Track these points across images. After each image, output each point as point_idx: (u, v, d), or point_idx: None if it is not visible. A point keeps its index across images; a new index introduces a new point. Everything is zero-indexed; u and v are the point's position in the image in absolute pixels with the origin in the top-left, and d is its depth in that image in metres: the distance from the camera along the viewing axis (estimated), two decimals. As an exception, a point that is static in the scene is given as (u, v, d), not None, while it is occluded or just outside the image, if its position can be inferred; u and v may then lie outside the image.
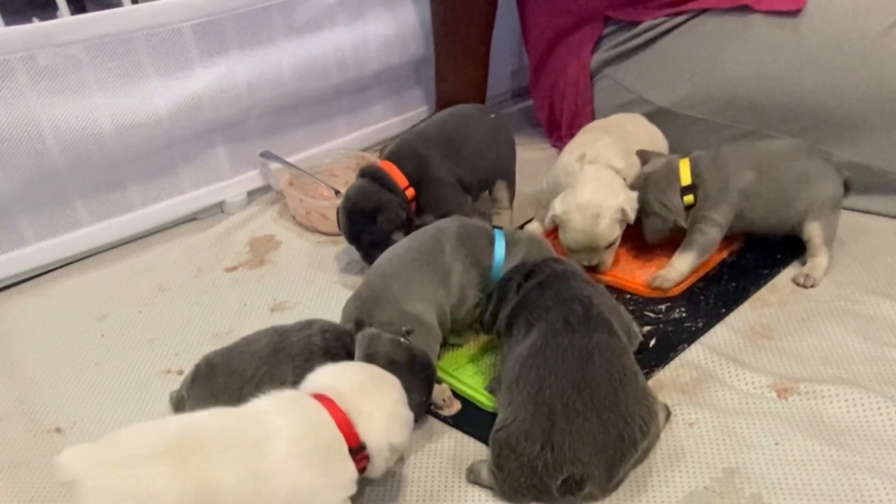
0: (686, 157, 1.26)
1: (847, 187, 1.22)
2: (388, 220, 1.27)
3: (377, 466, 0.84)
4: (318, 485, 0.79)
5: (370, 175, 1.30)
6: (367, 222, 1.27)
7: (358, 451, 0.82)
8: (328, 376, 0.86)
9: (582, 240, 1.21)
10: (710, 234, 1.22)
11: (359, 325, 1.04)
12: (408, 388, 0.89)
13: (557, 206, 1.21)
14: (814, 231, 1.21)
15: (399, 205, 1.28)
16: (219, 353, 0.98)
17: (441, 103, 1.77)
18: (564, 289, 0.97)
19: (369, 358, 0.93)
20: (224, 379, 0.94)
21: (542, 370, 0.88)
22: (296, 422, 0.79)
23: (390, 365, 0.92)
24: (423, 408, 0.97)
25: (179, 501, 0.73)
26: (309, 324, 0.99)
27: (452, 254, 1.10)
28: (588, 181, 1.21)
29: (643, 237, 1.28)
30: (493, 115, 1.42)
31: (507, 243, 1.13)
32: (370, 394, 0.84)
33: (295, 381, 0.91)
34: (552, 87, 1.69)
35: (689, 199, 1.23)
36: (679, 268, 1.22)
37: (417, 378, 0.94)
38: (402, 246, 1.13)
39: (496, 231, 1.15)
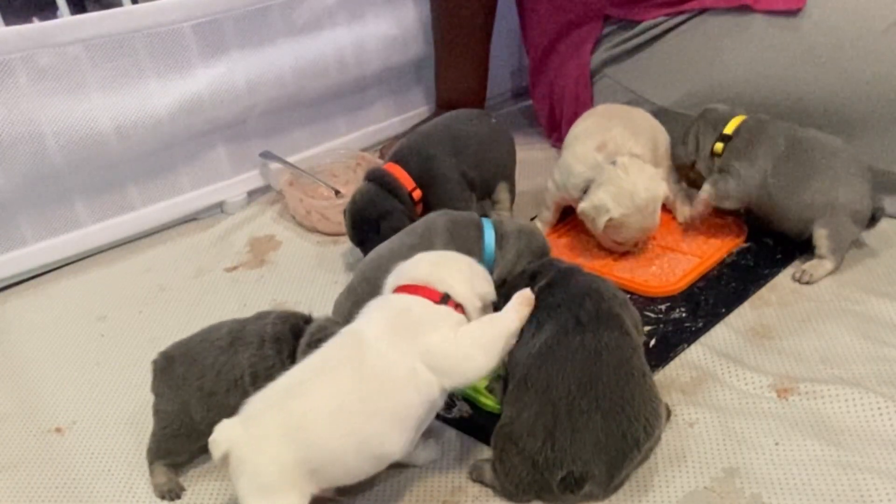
0: (744, 114, 1.28)
1: (873, 218, 1.21)
2: (391, 227, 1.26)
3: (471, 312, 0.89)
4: (437, 335, 0.84)
5: (376, 179, 1.30)
6: (371, 230, 1.27)
7: (444, 301, 0.87)
8: (400, 273, 0.92)
9: (639, 235, 1.26)
10: (729, 183, 1.25)
11: None
12: None
13: (613, 209, 1.20)
14: (820, 239, 1.20)
15: (403, 212, 1.28)
16: (177, 345, 0.98)
17: (441, 104, 1.77)
18: (573, 285, 0.97)
19: (314, 344, 0.95)
20: (184, 369, 0.94)
21: (551, 369, 0.88)
22: (374, 317, 0.86)
23: None
24: None
25: (318, 420, 0.78)
26: (266, 314, 1.00)
27: (444, 245, 1.11)
28: (636, 177, 1.22)
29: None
30: (494, 120, 1.42)
31: (497, 234, 1.13)
32: (443, 265, 0.91)
33: (251, 368, 0.93)
34: (552, 87, 1.69)
35: (719, 146, 1.26)
36: (696, 206, 1.31)
37: None
38: (395, 241, 1.14)
39: (484, 221, 1.15)
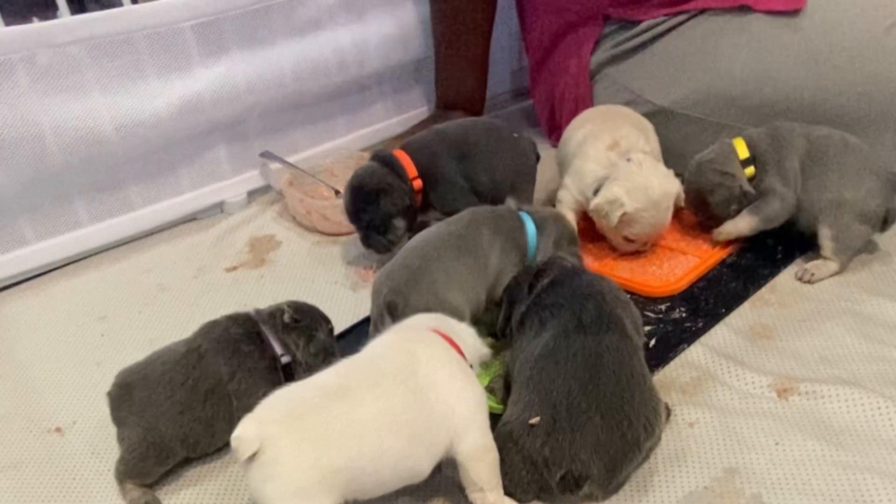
0: (738, 137, 1.26)
1: (885, 220, 1.20)
2: (390, 203, 1.27)
3: None
4: (470, 389, 0.85)
5: (381, 159, 1.32)
6: (370, 202, 1.28)
7: None
8: (417, 323, 0.93)
9: (651, 232, 1.25)
10: (774, 205, 1.22)
11: (391, 309, 1.04)
12: None
13: (627, 203, 1.20)
14: (825, 239, 1.20)
15: (404, 191, 1.29)
16: (132, 372, 0.97)
17: (441, 104, 1.77)
18: (576, 285, 0.97)
19: (293, 324, 1.02)
20: (147, 393, 0.94)
21: (552, 371, 0.89)
22: (428, 345, 0.87)
23: None
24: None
25: (366, 430, 0.77)
26: (213, 324, 1.01)
27: (490, 240, 1.12)
28: (650, 173, 1.22)
29: (715, 219, 1.28)
30: (515, 134, 1.40)
31: (535, 222, 1.16)
32: (451, 325, 0.92)
33: (230, 374, 0.95)
34: (552, 87, 1.69)
35: (749, 170, 1.24)
36: (738, 224, 1.25)
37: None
38: (442, 229, 1.14)
39: (521, 213, 1.17)
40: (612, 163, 1.26)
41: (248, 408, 0.89)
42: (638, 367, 0.90)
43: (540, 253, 1.14)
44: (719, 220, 1.28)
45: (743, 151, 1.25)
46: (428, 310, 1.01)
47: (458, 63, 1.71)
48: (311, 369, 1.00)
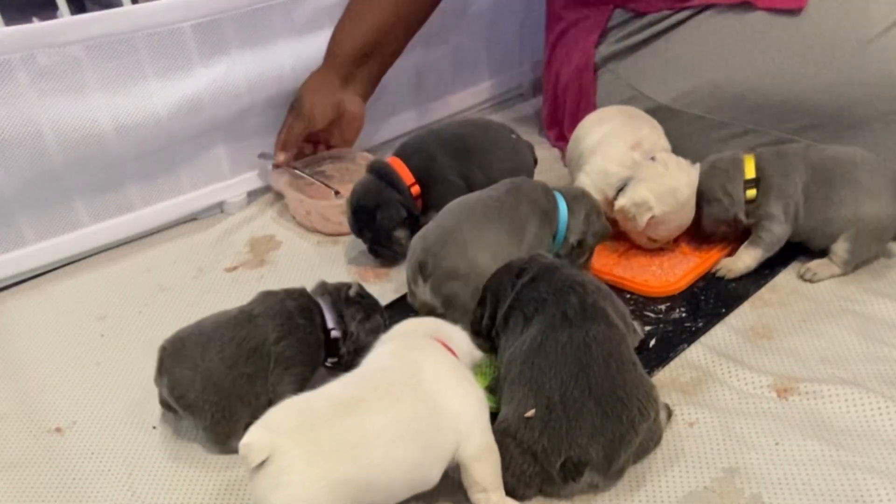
0: (750, 153, 1.25)
1: None
2: (388, 217, 1.28)
3: None
4: (473, 393, 0.86)
5: (376, 171, 1.32)
6: (369, 219, 1.30)
7: None
8: (412, 329, 0.93)
9: (677, 232, 1.26)
10: (774, 230, 1.22)
11: (422, 268, 1.06)
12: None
13: (655, 206, 1.20)
14: (840, 251, 1.19)
15: (400, 202, 1.29)
16: (185, 329, 1.00)
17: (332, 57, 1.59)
18: (557, 279, 0.98)
19: (356, 300, 1.03)
20: (200, 348, 0.96)
21: (543, 366, 0.89)
22: (430, 352, 0.88)
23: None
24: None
25: (378, 441, 0.77)
26: (269, 294, 1.03)
27: (529, 210, 1.13)
28: (677, 173, 1.22)
29: (700, 226, 1.27)
30: (514, 136, 1.40)
31: (566, 201, 1.17)
32: (446, 329, 0.93)
33: (277, 338, 0.97)
34: (556, 79, 1.68)
35: (751, 192, 1.23)
36: (745, 260, 1.23)
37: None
38: (481, 194, 1.15)
39: (555, 192, 1.18)
40: (635, 163, 1.26)
41: (280, 376, 0.97)
42: (626, 353, 0.91)
43: (572, 233, 1.16)
44: (713, 222, 1.26)
45: (750, 171, 1.23)
46: (458, 269, 1.04)
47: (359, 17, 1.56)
48: (358, 344, 1.02)
